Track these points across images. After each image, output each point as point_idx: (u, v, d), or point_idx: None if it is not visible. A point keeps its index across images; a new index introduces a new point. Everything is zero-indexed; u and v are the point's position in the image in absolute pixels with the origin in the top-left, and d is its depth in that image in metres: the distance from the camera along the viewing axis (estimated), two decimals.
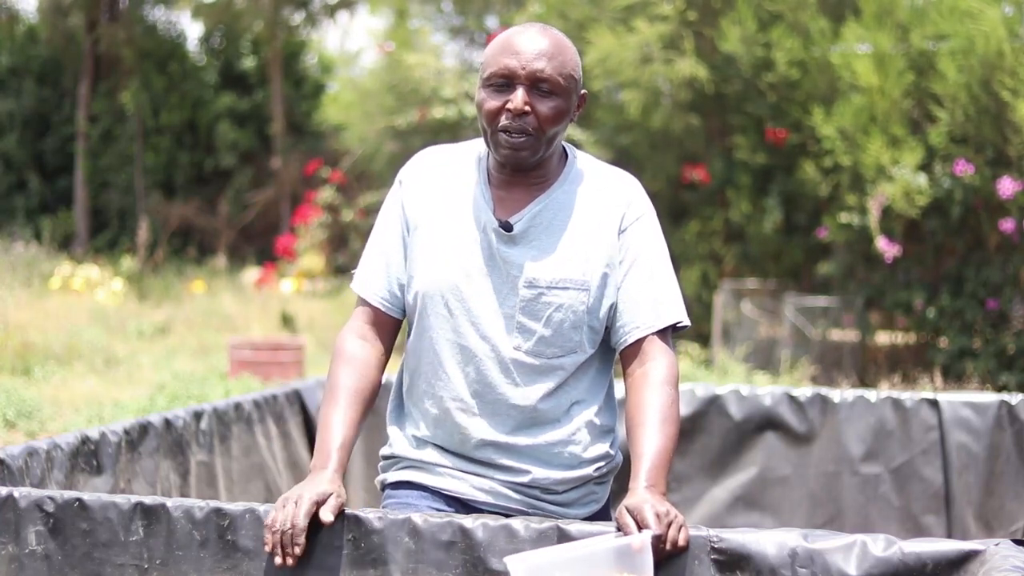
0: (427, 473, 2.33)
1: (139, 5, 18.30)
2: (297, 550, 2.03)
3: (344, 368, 2.30)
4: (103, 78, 18.34)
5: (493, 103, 2.19)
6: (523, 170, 2.26)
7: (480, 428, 2.26)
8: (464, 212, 2.29)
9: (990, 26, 7.68)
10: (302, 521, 2.03)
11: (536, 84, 2.18)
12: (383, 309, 2.34)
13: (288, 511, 2.04)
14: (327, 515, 2.04)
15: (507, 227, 2.24)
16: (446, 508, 2.29)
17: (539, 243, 2.25)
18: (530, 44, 2.19)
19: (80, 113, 17.94)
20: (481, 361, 2.25)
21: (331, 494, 2.08)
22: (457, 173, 2.33)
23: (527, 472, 2.27)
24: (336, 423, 2.23)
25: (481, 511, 2.26)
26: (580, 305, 2.24)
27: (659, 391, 2.21)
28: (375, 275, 2.35)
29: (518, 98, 2.17)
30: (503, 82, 2.19)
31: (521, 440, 2.26)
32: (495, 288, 2.25)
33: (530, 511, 2.27)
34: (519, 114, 2.17)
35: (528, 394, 2.25)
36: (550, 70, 2.18)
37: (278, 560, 2.03)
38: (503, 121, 2.18)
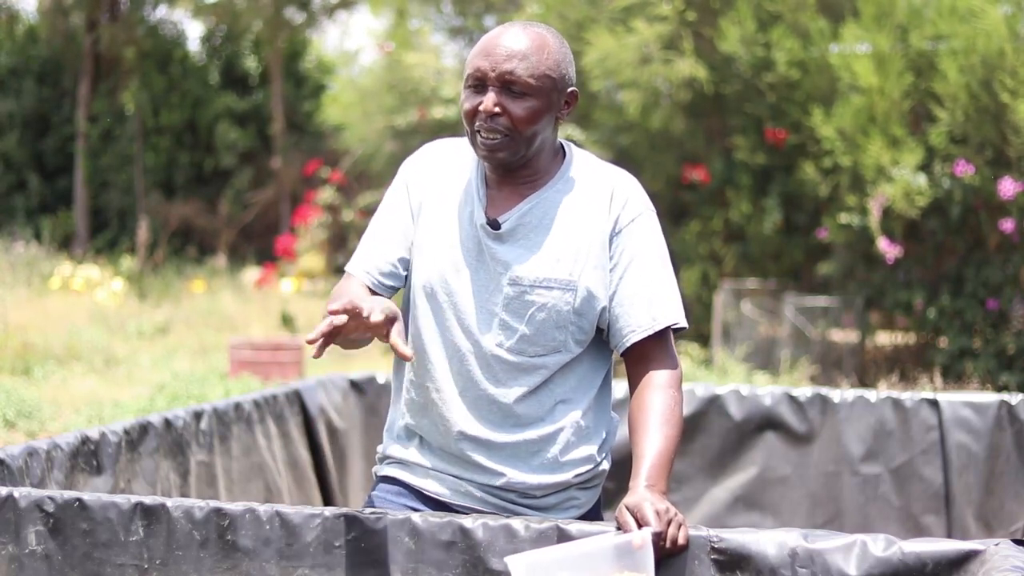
0: (409, 472, 2.35)
1: (139, 5, 18.30)
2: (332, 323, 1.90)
3: (350, 284, 2.29)
4: (103, 78, 18.34)
5: (469, 104, 2.21)
6: (511, 169, 2.26)
7: (461, 421, 2.26)
8: (459, 207, 2.30)
9: (991, 25, 7.68)
10: (378, 316, 1.91)
11: (507, 85, 2.18)
12: (371, 285, 2.30)
13: (363, 305, 1.94)
14: (406, 348, 1.95)
15: (495, 225, 2.25)
16: (421, 507, 2.30)
17: (527, 242, 2.25)
18: (504, 45, 2.19)
19: (80, 113, 17.93)
20: (464, 356, 2.26)
21: (398, 315, 1.99)
22: (458, 168, 2.34)
23: (502, 475, 2.26)
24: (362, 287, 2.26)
25: (458, 512, 2.26)
26: (565, 305, 2.23)
27: (661, 393, 2.21)
28: (367, 255, 2.32)
29: (488, 100, 2.18)
30: (477, 84, 2.20)
31: (501, 437, 2.25)
32: (482, 284, 2.26)
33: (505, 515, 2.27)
34: (490, 115, 2.18)
35: (508, 391, 2.25)
36: (521, 71, 2.17)
37: (318, 331, 1.90)
38: (478, 122, 2.20)
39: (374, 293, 2.28)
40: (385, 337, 1.95)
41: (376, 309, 1.93)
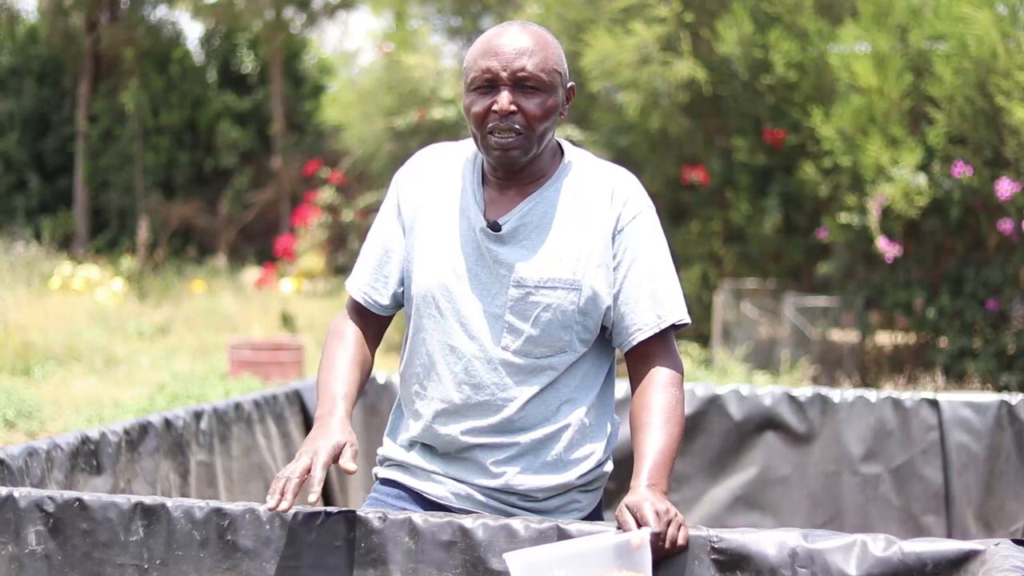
0: (409, 475, 2.35)
1: (139, 5, 18.29)
2: (290, 496, 2.01)
3: (339, 342, 2.33)
4: (103, 78, 18.34)
5: (479, 106, 2.19)
6: (516, 170, 2.25)
7: (466, 429, 2.26)
8: (457, 212, 2.29)
9: (982, 29, 7.67)
10: (319, 472, 2.05)
11: (520, 83, 2.18)
12: (364, 303, 2.36)
13: (303, 462, 2.06)
14: (350, 464, 2.08)
15: (495, 227, 2.24)
16: (419, 510, 2.28)
17: (528, 242, 2.24)
18: (510, 43, 2.19)
19: (80, 113, 17.94)
20: (470, 361, 2.25)
21: (344, 444, 2.11)
22: (452, 173, 2.33)
23: (504, 476, 2.26)
24: (337, 378, 2.27)
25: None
26: (569, 305, 2.22)
27: (663, 392, 2.21)
28: (361, 272, 2.38)
29: (503, 99, 2.17)
30: (487, 85, 2.19)
31: (506, 439, 2.25)
32: (485, 288, 2.25)
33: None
34: (506, 114, 2.17)
35: (517, 394, 2.24)
36: (532, 67, 2.18)
37: (270, 503, 2.01)
38: (491, 123, 2.19)
39: (370, 313, 2.36)
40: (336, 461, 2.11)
41: (318, 466, 2.06)
